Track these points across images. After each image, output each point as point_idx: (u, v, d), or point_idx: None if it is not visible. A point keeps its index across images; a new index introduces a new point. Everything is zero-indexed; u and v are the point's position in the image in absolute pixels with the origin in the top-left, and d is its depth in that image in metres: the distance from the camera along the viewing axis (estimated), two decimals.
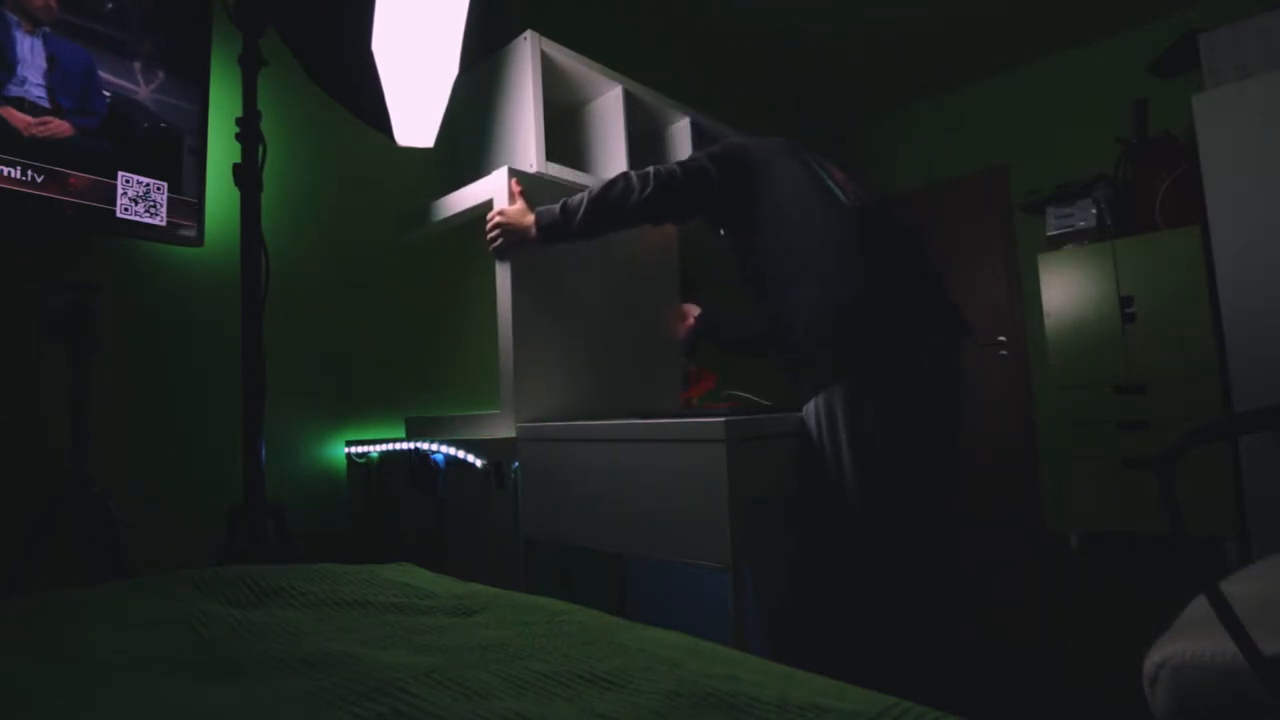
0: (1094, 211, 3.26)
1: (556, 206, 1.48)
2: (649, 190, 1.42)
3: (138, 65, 1.49)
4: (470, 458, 1.53)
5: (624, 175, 1.46)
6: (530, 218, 1.51)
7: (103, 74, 1.43)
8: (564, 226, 1.47)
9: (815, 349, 1.33)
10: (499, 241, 1.55)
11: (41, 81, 1.34)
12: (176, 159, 1.54)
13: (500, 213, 1.55)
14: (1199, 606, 0.99)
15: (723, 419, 1.17)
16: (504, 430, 1.54)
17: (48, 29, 1.36)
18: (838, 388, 1.30)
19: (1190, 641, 0.88)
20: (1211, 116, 2.62)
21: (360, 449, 1.81)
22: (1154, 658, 0.91)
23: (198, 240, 1.57)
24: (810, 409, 1.35)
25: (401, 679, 0.56)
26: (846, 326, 1.30)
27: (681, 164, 1.46)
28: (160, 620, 0.72)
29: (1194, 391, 2.86)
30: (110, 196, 1.43)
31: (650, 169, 1.45)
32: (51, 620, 0.72)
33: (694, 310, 1.97)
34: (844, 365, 1.30)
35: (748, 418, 1.25)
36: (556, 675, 0.59)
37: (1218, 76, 2.66)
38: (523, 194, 1.58)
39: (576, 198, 1.47)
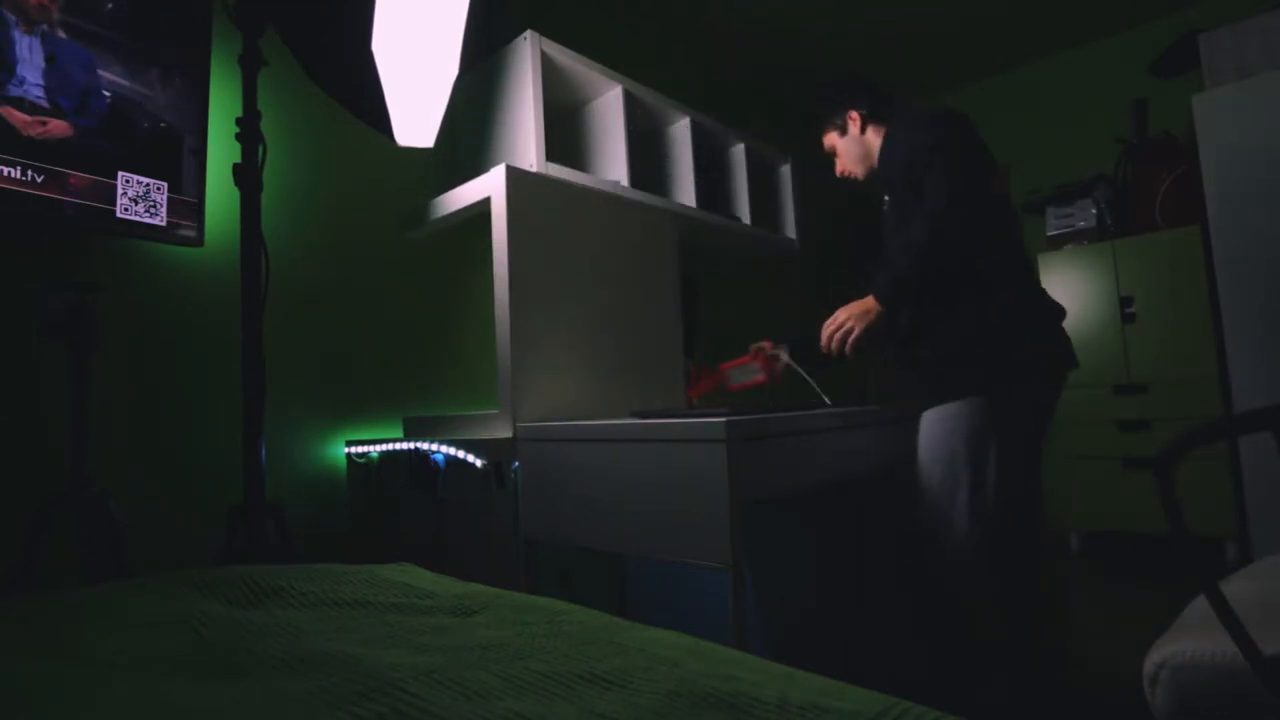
0: (1094, 211, 3.26)
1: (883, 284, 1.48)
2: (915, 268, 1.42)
3: (137, 65, 1.49)
4: (470, 458, 1.53)
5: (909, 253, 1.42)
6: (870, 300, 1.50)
7: (103, 74, 1.43)
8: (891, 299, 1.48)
9: (988, 356, 1.46)
10: (855, 335, 1.48)
11: (40, 81, 1.34)
12: (176, 159, 1.54)
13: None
14: (1199, 606, 0.99)
15: (723, 419, 1.17)
16: (502, 430, 1.54)
17: (45, 28, 1.35)
18: (987, 398, 1.44)
19: (1190, 641, 0.88)
20: (1211, 116, 2.62)
21: (360, 449, 1.81)
22: (1154, 658, 0.91)
23: (198, 240, 1.57)
24: (949, 413, 1.47)
25: (401, 679, 0.56)
26: (1012, 342, 1.46)
27: (936, 223, 1.38)
28: (160, 620, 0.72)
29: (1194, 391, 2.86)
30: (110, 196, 1.43)
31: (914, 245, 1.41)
32: (51, 620, 0.72)
33: (767, 349, 1.87)
34: (1010, 374, 1.46)
35: (748, 418, 1.25)
36: (556, 675, 0.59)
37: (1218, 76, 2.66)
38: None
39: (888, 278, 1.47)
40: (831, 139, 1.77)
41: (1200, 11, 3.21)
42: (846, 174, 1.77)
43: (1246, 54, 2.60)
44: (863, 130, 1.70)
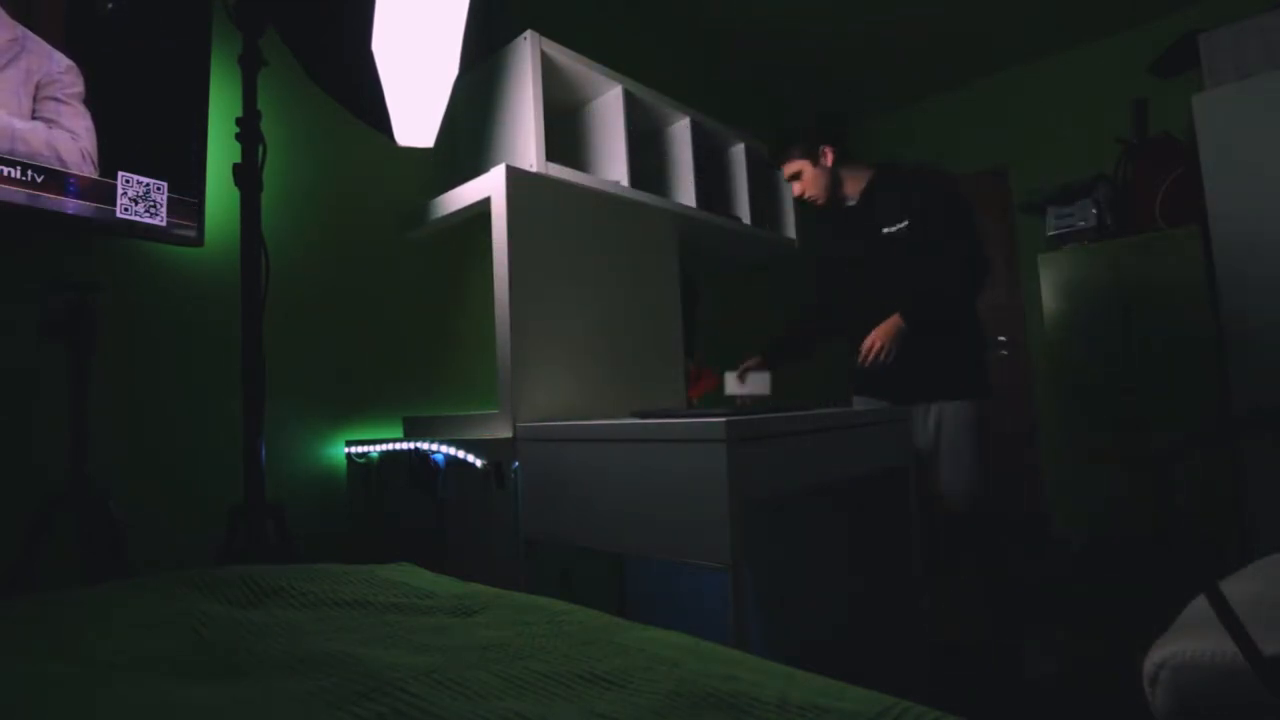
0: (1094, 211, 3.25)
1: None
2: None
3: (137, 65, 1.49)
4: (470, 458, 1.53)
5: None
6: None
7: (104, 74, 1.43)
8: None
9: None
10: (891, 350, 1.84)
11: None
12: (176, 159, 1.54)
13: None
14: (1199, 606, 0.99)
15: (723, 419, 1.17)
16: (502, 430, 1.54)
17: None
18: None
19: (1190, 641, 0.88)
20: (1211, 116, 2.62)
21: (360, 449, 1.81)
22: (1154, 658, 0.91)
23: (198, 240, 1.57)
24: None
25: (401, 679, 0.56)
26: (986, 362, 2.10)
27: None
28: (160, 620, 0.72)
29: (1194, 391, 2.86)
30: (110, 196, 1.43)
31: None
32: (51, 620, 0.72)
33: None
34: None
35: (748, 418, 1.25)
36: (556, 675, 0.59)
37: (1218, 76, 2.66)
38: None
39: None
40: (800, 165, 2.05)
41: (1200, 11, 3.21)
42: (808, 197, 2.07)
43: (1246, 54, 2.60)
44: (835, 164, 2.03)
